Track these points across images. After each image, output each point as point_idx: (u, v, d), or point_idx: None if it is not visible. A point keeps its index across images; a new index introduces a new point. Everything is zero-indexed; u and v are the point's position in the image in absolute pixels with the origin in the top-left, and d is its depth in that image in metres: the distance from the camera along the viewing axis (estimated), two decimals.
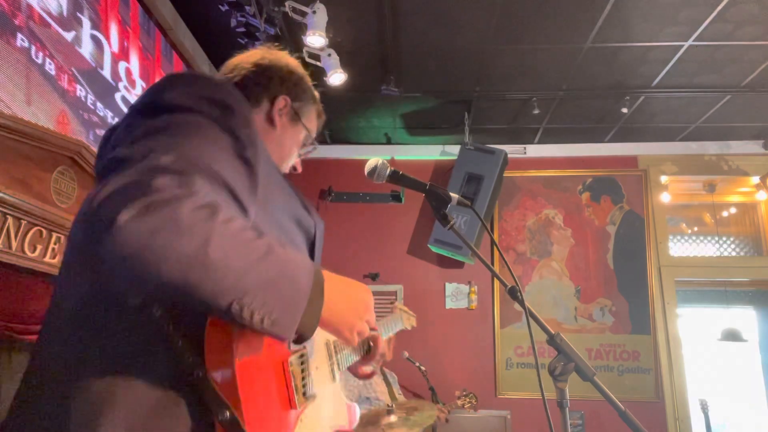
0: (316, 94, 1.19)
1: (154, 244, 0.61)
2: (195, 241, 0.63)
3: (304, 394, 0.90)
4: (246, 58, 1.13)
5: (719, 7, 3.03)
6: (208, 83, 0.85)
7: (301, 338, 0.75)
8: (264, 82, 1.09)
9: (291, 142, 1.13)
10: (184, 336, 0.73)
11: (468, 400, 3.50)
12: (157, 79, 3.00)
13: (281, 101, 1.10)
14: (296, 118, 1.12)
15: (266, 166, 0.88)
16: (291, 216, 0.97)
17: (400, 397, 3.86)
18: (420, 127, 4.69)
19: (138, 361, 0.73)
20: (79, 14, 2.30)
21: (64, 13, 2.20)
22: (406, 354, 3.94)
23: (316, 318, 0.76)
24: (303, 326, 0.73)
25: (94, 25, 2.41)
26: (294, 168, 1.18)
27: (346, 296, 0.84)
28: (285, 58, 1.16)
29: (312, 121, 1.18)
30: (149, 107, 0.81)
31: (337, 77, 3.27)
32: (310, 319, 0.74)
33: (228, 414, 0.70)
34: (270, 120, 1.09)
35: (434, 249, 4.52)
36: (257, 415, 0.74)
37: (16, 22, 1.90)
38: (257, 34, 2.93)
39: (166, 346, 0.73)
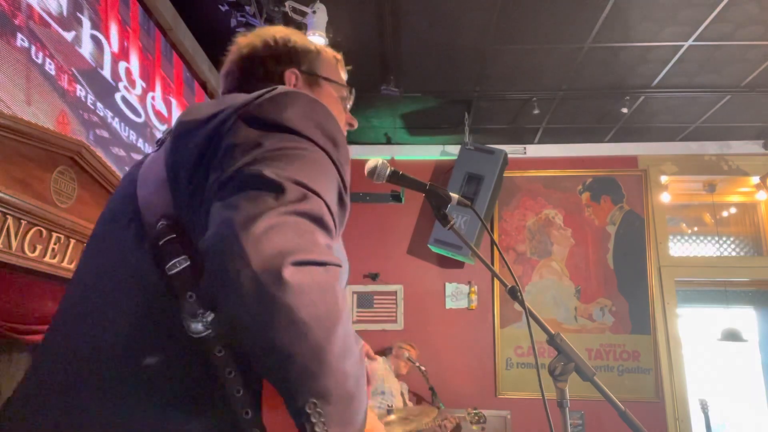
0: (313, 44, 1.06)
1: (294, 309, 0.57)
2: (323, 326, 0.59)
3: None
4: (234, 59, 1.02)
5: (719, 7, 3.03)
6: (322, 111, 0.79)
7: None
8: (261, 73, 0.99)
9: (332, 105, 1.00)
10: (244, 383, 0.64)
11: (477, 419, 3.49)
12: (157, 80, 3.00)
13: (290, 77, 0.99)
14: (315, 80, 1.02)
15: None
16: (342, 251, 0.91)
17: (410, 404, 3.87)
18: (420, 127, 4.69)
19: (187, 404, 0.67)
20: (79, 14, 2.30)
21: (64, 13, 2.20)
22: (407, 354, 3.95)
23: None
24: None
25: (94, 25, 2.41)
26: (350, 125, 1.09)
27: None
28: (260, 34, 1.03)
29: (331, 70, 1.06)
30: (269, 124, 0.73)
31: None
32: None
33: None
34: None
35: (434, 249, 4.52)
36: None
37: (16, 22, 1.90)
38: None
39: (221, 393, 0.64)
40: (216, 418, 0.66)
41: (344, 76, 1.09)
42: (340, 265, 0.63)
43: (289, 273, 0.57)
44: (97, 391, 0.67)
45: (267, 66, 0.99)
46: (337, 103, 1.04)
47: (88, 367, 0.68)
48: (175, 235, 0.69)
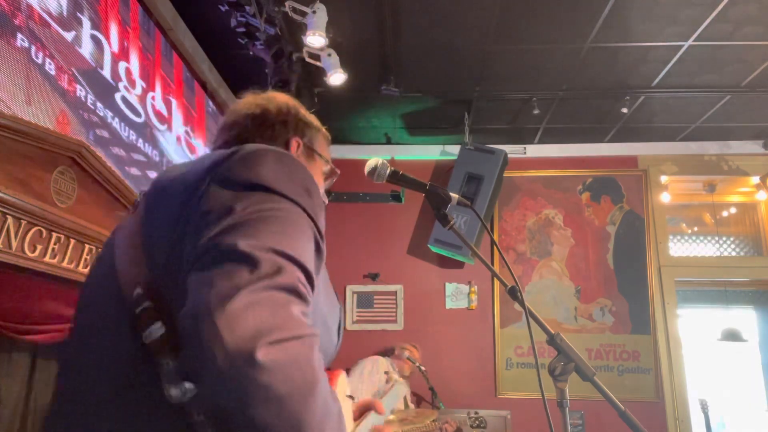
0: (315, 119, 1.15)
1: (272, 387, 0.58)
2: (302, 399, 0.60)
3: None
4: (241, 111, 1.08)
5: (719, 7, 3.03)
6: (292, 163, 0.81)
7: None
8: (269, 134, 1.04)
9: (317, 179, 1.07)
10: None
11: (478, 422, 3.49)
12: (157, 80, 3.00)
13: (294, 144, 1.06)
14: (311, 153, 1.09)
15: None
16: (329, 300, 0.94)
17: (411, 405, 3.87)
18: (420, 127, 4.69)
19: None
20: (79, 14, 2.30)
21: (64, 13, 2.20)
22: (407, 354, 3.95)
23: None
24: None
25: (94, 25, 2.41)
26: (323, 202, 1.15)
27: None
28: (275, 99, 1.11)
29: (324, 149, 1.14)
30: (241, 184, 0.74)
31: (337, 77, 3.27)
32: None
33: None
34: None
35: (434, 249, 4.52)
36: None
37: (16, 22, 1.90)
38: (257, 34, 2.93)
39: None
40: None
41: (329, 152, 1.16)
42: (315, 334, 0.64)
43: (263, 354, 0.58)
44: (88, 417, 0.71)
45: (275, 129, 1.05)
46: (320, 177, 1.11)
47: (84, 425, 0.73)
48: (150, 303, 0.71)
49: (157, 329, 0.68)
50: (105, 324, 0.77)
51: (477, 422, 3.47)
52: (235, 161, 0.77)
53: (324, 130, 1.16)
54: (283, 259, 0.67)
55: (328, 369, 1.03)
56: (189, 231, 0.71)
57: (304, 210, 0.76)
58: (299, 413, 0.60)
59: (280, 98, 1.11)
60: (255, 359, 0.57)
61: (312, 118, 1.13)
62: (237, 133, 1.04)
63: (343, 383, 1.07)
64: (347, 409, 1.07)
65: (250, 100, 1.10)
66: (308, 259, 0.71)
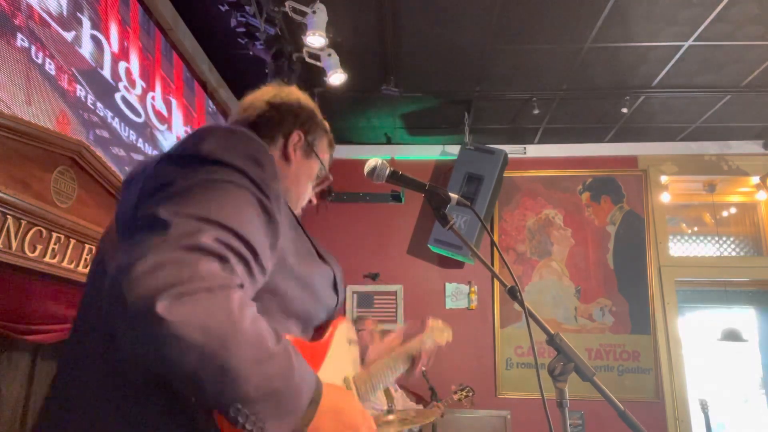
0: (327, 125, 1.21)
1: (183, 338, 0.62)
2: (220, 344, 0.64)
3: None
4: (259, 96, 1.15)
5: (719, 7, 3.03)
6: (241, 136, 0.85)
7: None
8: (278, 119, 1.11)
9: (306, 178, 1.15)
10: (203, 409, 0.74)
11: (464, 393, 3.48)
12: (157, 80, 3.00)
13: (295, 136, 1.12)
14: (310, 151, 1.15)
15: (285, 218, 0.89)
16: (310, 266, 0.98)
17: (397, 393, 3.85)
18: (420, 127, 4.69)
19: (158, 427, 0.74)
20: (79, 14, 2.30)
21: (64, 13, 2.20)
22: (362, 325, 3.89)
23: None
24: None
25: (94, 25, 2.41)
26: (310, 201, 1.20)
27: (342, 419, 0.82)
28: (296, 93, 1.18)
29: (325, 152, 1.20)
30: (185, 157, 0.81)
31: (337, 77, 3.27)
32: None
33: None
34: (285, 156, 1.12)
35: (434, 249, 4.52)
36: None
37: (16, 22, 1.90)
38: (257, 34, 2.93)
39: (186, 416, 0.74)
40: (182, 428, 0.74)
41: (329, 160, 1.22)
42: (230, 285, 0.67)
43: (163, 308, 0.61)
44: (80, 409, 0.77)
45: (284, 118, 1.13)
46: (310, 180, 1.16)
47: (77, 387, 0.79)
48: None
49: None
50: (97, 300, 0.83)
51: (464, 393, 3.46)
52: (184, 139, 0.84)
53: (331, 136, 1.22)
54: (201, 222, 0.70)
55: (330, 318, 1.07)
56: (136, 205, 0.78)
57: (249, 178, 0.79)
58: (222, 358, 0.64)
59: (300, 94, 1.19)
60: (155, 314, 0.60)
61: (321, 120, 1.19)
62: (249, 114, 1.12)
63: (343, 330, 1.09)
64: (349, 357, 1.11)
65: (272, 89, 1.17)
66: (244, 223, 0.74)
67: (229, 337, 0.65)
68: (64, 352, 0.88)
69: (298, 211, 1.14)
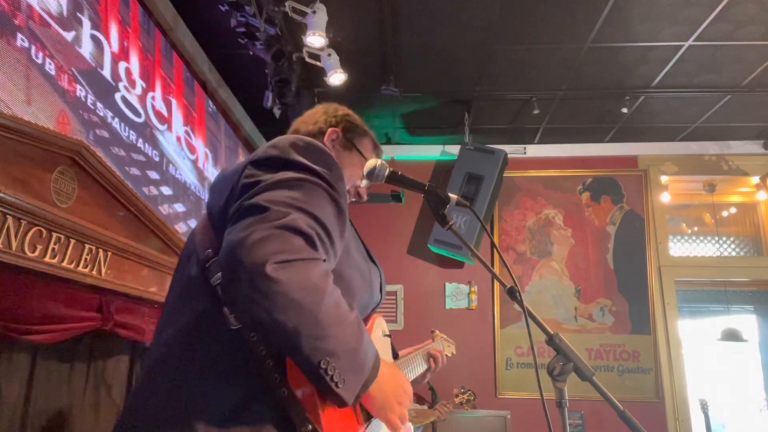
0: (365, 126, 1.36)
1: (287, 294, 0.77)
2: (313, 302, 0.80)
3: (367, 414, 1.02)
4: (314, 113, 1.35)
5: (719, 7, 3.03)
6: (314, 146, 1.01)
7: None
8: (314, 121, 1.31)
9: (350, 170, 1.27)
10: (272, 357, 0.88)
11: (466, 397, 3.49)
12: (157, 80, 3.00)
13: (332, 133, 1.29)
14: (350, 146, 1.30)
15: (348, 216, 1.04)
16: (363, 259, 1.17)
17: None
18: (420, 127, 4.69)
19: (233, 376, 0.87)
20: (79, 14, 2.30)
21: (64, 13, 2.20)
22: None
23: (365, 390, 0.90)
24: (357, 396, 0.89)
25: (94, 25, 2.41)
26: (359, 196, 1.33)
27: (392, 382, 0.99)
28: (333, 105, 1.37)
29: (368, 149, 1.34)
30: (272, 160, 0.96)
31: (337, 77, 3.27)
32: (362, 390, 0.89)
33: (310, 427, 0.85)
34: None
35: (434, 249, 4.52)
36: (333, 428, 0.88)
37: (16, 22, 1.90)
38: (257, 34, 2.93)
39: (257, 366, 0.88)
40: (254, 383, 0.87)
41: (373, 157, 1.34)
42: (319, 258, 0.84)
43: (272, 269, 0.77)
44: (165, 371, 0.91)
45: (321, 120, 1.32)
46: (354, 173, 1.30)
47: (161, 357, 0.93)
48: (216, 258, 0.93)
49: (219, 276, 0.90)
50: (188, 279, 1.00)
51: (465, 397, 3.46)
52: (266, 147, 1.00)
53: (373, 135, 1.38)
54: (292, 209, 0.85)
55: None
56: (232, 201, 0.94)
57: (323, 178, 0.95)
58: (314, 314, 0.80)
59: (339, 106, 1.38)
60: (266, 273, 0.77)
61: (362, 124, 1.36)
62: (309, 128, 1.32)
63: (379, 324, 1.23)
64: (384, 347, 1.25)
65: (322, 107, 1.38)
66: (321, 212, 0.89)
67: (321, 296, 0.81)
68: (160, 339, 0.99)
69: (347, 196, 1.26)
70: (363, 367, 0.88)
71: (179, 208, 3.21)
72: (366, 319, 1.18)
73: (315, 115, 1.33)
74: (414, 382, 1.44)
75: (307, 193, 0.91)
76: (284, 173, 0.92)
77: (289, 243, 0.80)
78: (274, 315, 0.77)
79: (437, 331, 1.72)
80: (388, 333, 1.29)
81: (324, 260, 0.86)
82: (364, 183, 1.30)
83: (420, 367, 1.48)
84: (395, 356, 1.38)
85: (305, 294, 0.79)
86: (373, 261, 1.25)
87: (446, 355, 1.66)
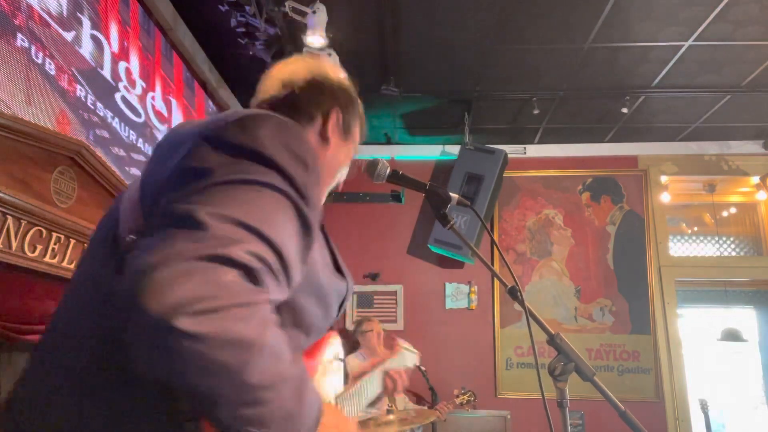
0: (359, 101, 1.15)
1: (204, 356, 0.57)
2: (242, 361, 0.59)
3: None
4: (295, 73, 1.05)
5: (719, 7, 3.03)
6: (295, 135, 0.79)
7: None
8: (319, 98, 1.03)
9: (338, 164, 1.07)
10: (192, 420, 0.71)
11: (466, 398, 3.49)
12: (157, 80, 3.00)
13: (334, 115, 1.04)
14: (346, 134, 1.08)
15: (318, 226, 0.85)
16: (329, 280, 0.94)
17: (405, 397, 3.86)
18: (420, 127, 4.69)
19: (145, 409, 0.71)
20: (79, 14, 2.30)
21: (64, 13, 2.20)
22: (365, 327, 3.90)
23: None
24: None
25: (94, 25, 2.41)
26: (336, 186, 1.13)
27: None
28: (331, 67, 1.11)
29: (357, 133, 1.13)
30: (230, 146, 0.73)
31: None
32: None
33: None
34: (324, 137, 1.03)
35: (434, 249, 4.52)
36: None
37: (16, 22, 1.90)
38: (257, 34, 2.93)
39: (177, 426, 0.70)
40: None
41: (359, 140, 1.15)
42: (257, 302, 0.62)
43: (187, 323, 0.56)
44: (65, 401, 0.74)
45: (325, 95, 1.04)
46: (344, 164, 1.08)
47: (58, 378, 0.76)
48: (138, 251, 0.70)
49: None
50: (94, 269, 0.80)
51: (465, 398, 3.47)
52: (232, 122, 0.76)
53: (364, 120, 1.15)
54: (239, 229, 0.64)
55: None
56: (166, 184, 0.71)
57: (294, 184, 0.73)
58: (244, 375, 0.59)
59: (340, 71, 1.12)
60: (177, 329, 0.55)
61: (358, 99, 1.13)
62: (288, 91, 1.02)
63: (332, 346, 1.06)
64: (335, 372, 1.08)
65: (308, 63, 1.08)
66: (280, 233, 0.69)
67: (251, 354, 0.60)
68: (45, 348, 0.84)
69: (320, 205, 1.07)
70: (299, 430, 0.69)
71: None
72: (318, 343, 1.01)
73: (320, 83, 1.06)
74: (370, 405, 1.32)
75: (267, 205, 0.69)
76: (244, 169, 0.70)
77: (216, 283, 0.59)
78: (186, 378, 0.58)
79: (399, 341, 1.55)
80: (341, 357, 1.12)
81: (268, 302, 0.66)
82: (344, 172, 1.11)
83: (373, 392, 1.33)
84: (346, 379, 1.23)
85: (232, 352, 0.58)
86: (341, 271, 1.01)
87: (409, 367, 1.49)
